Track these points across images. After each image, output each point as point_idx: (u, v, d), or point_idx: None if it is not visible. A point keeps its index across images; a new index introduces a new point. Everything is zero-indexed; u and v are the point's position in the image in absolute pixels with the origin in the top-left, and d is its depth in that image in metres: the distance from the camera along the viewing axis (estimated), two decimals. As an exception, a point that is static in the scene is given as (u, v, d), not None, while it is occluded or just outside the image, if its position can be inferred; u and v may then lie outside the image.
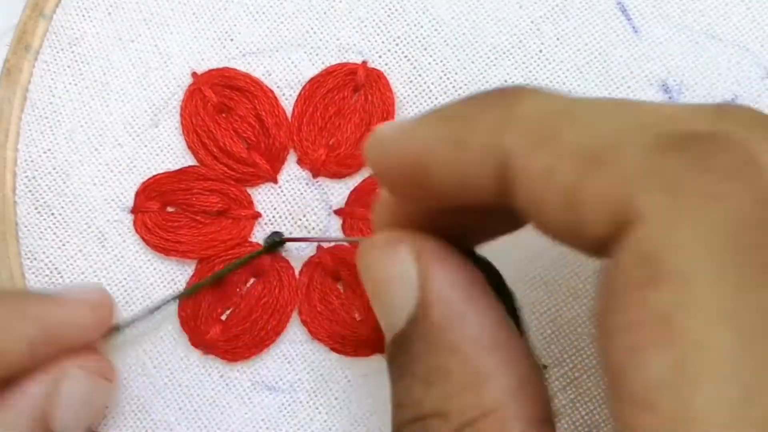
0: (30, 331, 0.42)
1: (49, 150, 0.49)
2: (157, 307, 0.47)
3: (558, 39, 0.49)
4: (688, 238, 0.25)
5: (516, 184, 0.29)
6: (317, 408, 0.48)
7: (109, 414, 0.48)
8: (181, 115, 0.49)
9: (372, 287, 0.37)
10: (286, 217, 0.48)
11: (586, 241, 0.28)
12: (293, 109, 0.48)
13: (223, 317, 0.48)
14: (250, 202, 0.48)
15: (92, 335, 0.45)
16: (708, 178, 0.26)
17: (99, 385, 0.45)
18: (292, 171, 0.49)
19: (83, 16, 0.50)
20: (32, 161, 0.49)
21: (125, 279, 0.48)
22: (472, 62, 0.49)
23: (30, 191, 0.49)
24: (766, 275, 0.25)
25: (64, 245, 0.49)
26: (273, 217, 0.48)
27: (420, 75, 0.49)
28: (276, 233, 0.48)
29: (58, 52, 0.50)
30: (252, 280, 0.48)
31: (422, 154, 0.32)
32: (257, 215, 0.48)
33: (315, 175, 0.49)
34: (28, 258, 0.49)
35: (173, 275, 0.48)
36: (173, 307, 0.48)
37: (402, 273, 0.34)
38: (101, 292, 0.46)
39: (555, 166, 0.28)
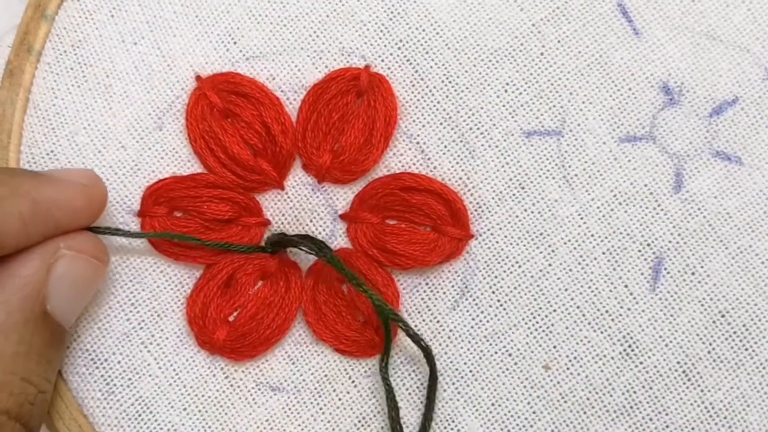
0: (22, 208, 0.42)
1: (52, 152, 0.49)
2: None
3: (559, 41, 0.49)
4: None
5: None
6: (321, 408, 0.48)
7: (110, 414, 0.48)
8: (187, 120, 0.49)
9: None
10: (292, 223, 0.49)
11: None
12: (298, 116, 0.49)
13: (231, 318, 0.48)
14: (260, 210, 0.48)
15: (84, 216, 0.45)
16: None
17: (92, 266, 0.45)
18: (297, 177, 0.49)
19: (86, 18, 0.50)
20: (35, 163, 0.49)
21: (131, 281, 0.48)
22: (474, 65, 0.49)
23: (34, 193, 0.49)
24: None
25: (68, 248, 0.49)
26: (280, 223, 0.49)
27: (422, 78, 0.49)
28: (275, 234, 0.48)
29: (60, 54, 0.50)
30: (260, 283, 0.48)
31: None
32: (267, 222, 0.48)
33: (320, 180, 0.49)
34: (33, 260, 0.49)
35: (180, 278, 0.48)
36: (180, 309, 0.48)
37: None
38: (92, 174, 0.46)
39: None
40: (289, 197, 0.49)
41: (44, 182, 0.43)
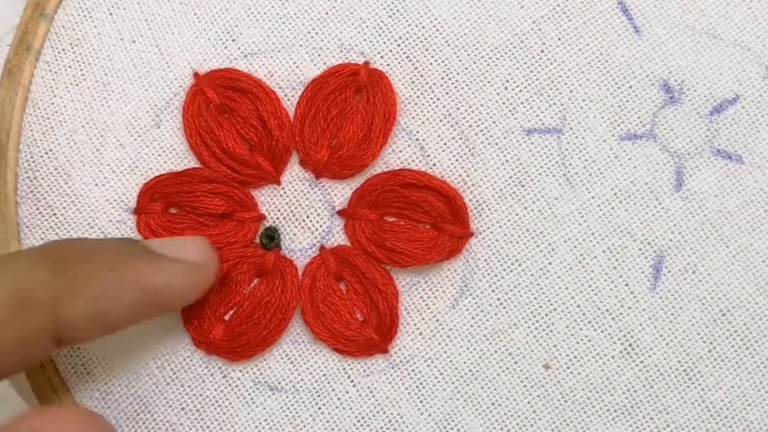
0: (131, 297, 0.42)
1: (51, 150, 0.49)
2: None
3: (559, 39, 0.49)
4: None
5: None
6: (320, 408, 0.48)
7: (108, 414, 0.48)
8: (184, 116, 0.49)
9: None
10: (289, 219, 0.49)
11: None
12: (296, 111, 0.48)
13: (226, 317, 0.48)
14: (255, 205, 0.48)
15: (191, 298, 0.45)
16: None
17: None
18: (294, 172, 0.49)
19: (84, 16, 0.50)
20: (34, 162, 0.49)
21: (128, 279, 0.48)
22: (474, 62, 0.49)
23: (32, 192, 0.49)
24: None
25: (66, 246, 0.49)
26: (276, 218, 0.49)
27: (422, 75, 0.49)
28: (269, 228, 0.48)
29: (59, 53, 0.50)
30: (255, 281, 0.48)
31: None
32: (261, 217, 0.48)
33: (318, 176, 0.49)
34: (31, 258, 0.49)
35: (176, 276, 0.48)
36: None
37: None
38: (205, 247, 0.45)
39: None
40: (285, 192, 0.49)
41: (155, 268, 0.43)
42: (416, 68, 0.49)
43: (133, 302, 0.42)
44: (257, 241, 0.48)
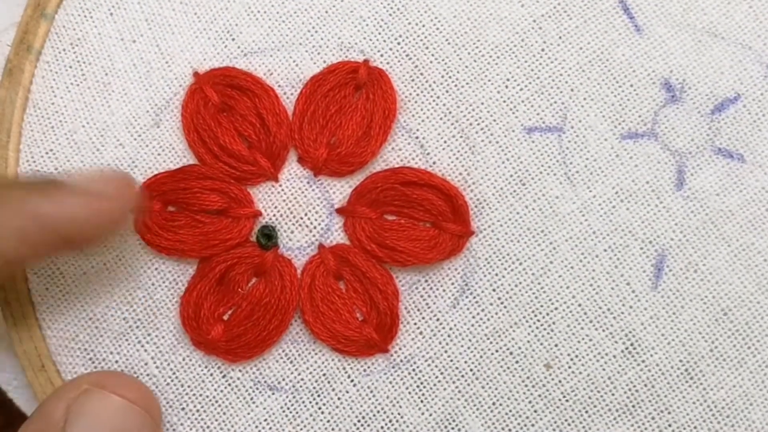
0: (19, 224, 0.41)
1: (51, 150, 0.49)
2: None
3: (560, 37, 0.49)
4: None
5: None
6: (320, 408, 0.48)
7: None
8: (183, 114, 0.49)
9: None
10: (287, 216, 0.48)
11: None
12: (294, 108, 0.48)
13: (225, 317, 0.48)
14: (250, 201, 0.48)
15: (95, 230, 0.43)
16: None
17: (127, 411, 0.43)
18: (293, 170, 0.49)
19: (85, 16, 0.50)
20: (34, 161, 0.49)
21: (127, 280, 0.48)
22: (474, 60, 0.49)
23: (32, 191, 0.49)
24: None
25: (66, 245, 0.49)
26: (274, 216, 0.48)
27: (422, 73, 0.49)
28: (265, 227, 0.48)
29: (59, 53, 0.50)
30: (254, 280, 0.48)
31: None
32: (257, 214, 0.48)
33: (316, 173, 0.48)
34: (30, 258, 0.49)
35: (175, 276, 0.48)
36: (176, 307, 0.48)
37: None
38: (110, 182, 0.44)
39: None
40: (283, 190, 0.49)
41: (47, 195, 0.42)
42: (416, 66, 0.49)
43: (21, 228, 0.41)
44: (254, 239, 0.48)
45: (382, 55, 0.49)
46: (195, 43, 0.49)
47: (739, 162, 0.48)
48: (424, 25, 0.49)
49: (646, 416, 0.47)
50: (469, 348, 0.48)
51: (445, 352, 0.48)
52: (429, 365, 0.48)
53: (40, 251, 0.43)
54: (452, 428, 0.47)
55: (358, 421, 0.48)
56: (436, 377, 0.48)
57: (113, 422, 0.43)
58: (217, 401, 0.48)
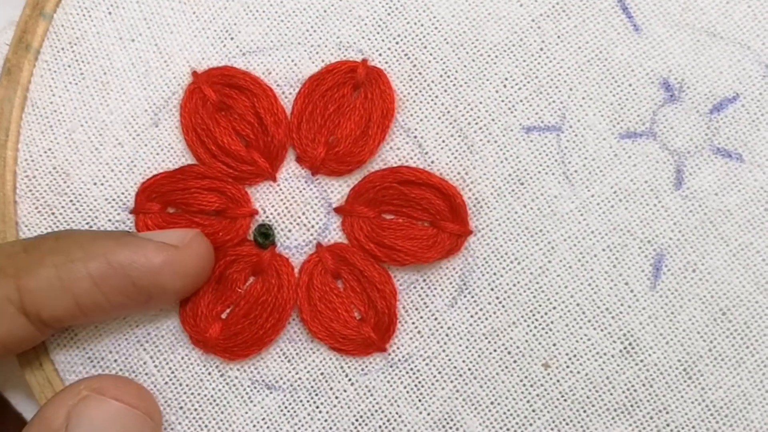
0: (92, 270, 0.43)
1: (50, 149, 0.49)
2: None
3: (558, 37, 0.49)
4: None
5: None
6: (317, 406, 0.48)
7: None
8: (181, 114, 0.49)
9: None
10: (285, 215, 0.48)
11: None
12: (293, 107, 0.48)
13: (223, 316, 0.48)
14: (248, 200, 0.48)
15: (169, 277, 0.45)
16: None
17: (125, 415, 0.44)
18: (291, 169, 0.49)
19: (83, 15, 0.50)
20: (32, 161, 0.49)
21: (125, 278, 0.48)
22: (472, 60, 0.49)
23: (30, 191, 0.49)
24: None
25: (64, 244, 0.49)
26: (272, 215, 0.48)
27: (420, 73, 0.49)
28: (262, 225, 0.48)
29: (58, 52, 0.50)
30: (251, 279, 0.48)
31: None
32: (254, 212, 0.48)
33: (314, 172, 0.48)
34: (29, 257, 0.49)
35: (173, 274, 0.48)
36: (175, 307, 0.48)
37: None
38: (190, 235, 0.46)
39: None
40: (281, 189, 0.49)
41: (123, 244, 0.44)
42: (414, 66, 0.49)
43: (96, 273, 0.43)
44: (251, 238, 0.48)
45: (380, 55, 0.49)
46: (194, 42, 0.49)
47: (738, 161, 0.48)
48: (422, 25, 0.49)
49: (644, 416, 0.47)
50: (467, 347, 0.48)
51: (443, 351, 0.48)
52: (427, 364, 0.48)
53: (114, 299, 0.44)
54: (450, 427, 0.47)
55: (356, 420, 0.48)
56: (434, 376, 0.47)
57: (114, 428, 0.43)
58: (215, 400, 0.48)
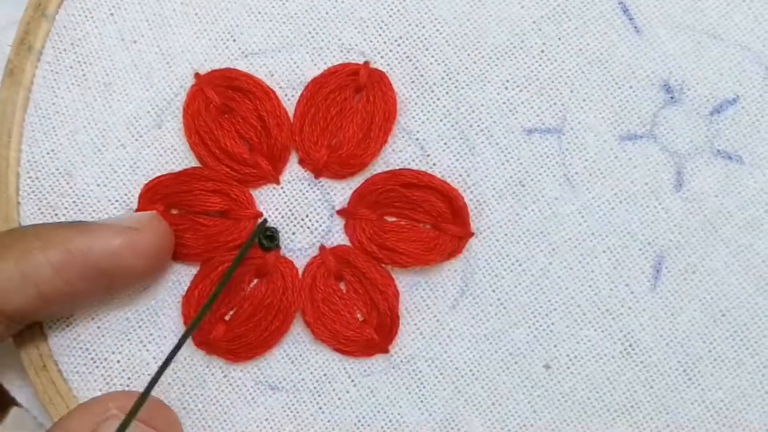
0: (52, 257, 0.43)
1: (53, 151, 0.49)
2: (178, 346, 0.44)
3: (560, 39, 0.49)
4: None
5: None
6: (320, 408, 0.48)
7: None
8: (184, 116, 0.49)
9: None
10: (288, 218, 0.48)
11: None
12: (295, 110, 0.48)
13: (227, 317, 0.48)
14: (252, 203, 0.48)
15: (130, 259, 0.45)
16: None
17: None
18: (294, 171, 0.49)
19: (85, 16, 0.50)
20: (35, 162, 0.49)
21: (129, 279, 0.48)
22: (474, 62, 0.49)
23: (33, 192, 0.49)
24: None
25: (67, 246, 0.49)
26: (275, 217, 0.48)
27: (422, 75, 0.49)
28: (267, 228, 0.48)
29: (60, 53, 0.50)
30: (255, 281, 0.48)
31: None
32: (258, 214, 0.48)
33: (317, 175, 0.49)
34: (32, 258, 0.49)
35: (177, 276, 0.48)
36: (178, 307, 0.48)
37: None
38: (146, 217, 0.47)
39: None
40: (284, 192, 0.49)
41: (80, 231, 0.45)
42: (416, 68, 0.49)
43: (56, 261, 0.44)
44: (256, 240, 0.48)
45: (382, 57, 0.49)
46: (196, 43, 0.49)
47: (738, 163, 0.48)
48: (424, 27, 0.49)
49: (644, 416, 0.47)
50: (468, 348, 0.48)
51: (445, 352, 0.48)
52: (429, 366, 0.48)
53: (77, 286, 0.44)
54: (452, 428, 0.47)
55: (359, 420, 0.48)
56: (436, 377, 0.48)
57: None
58: (218, 401, 0.48)
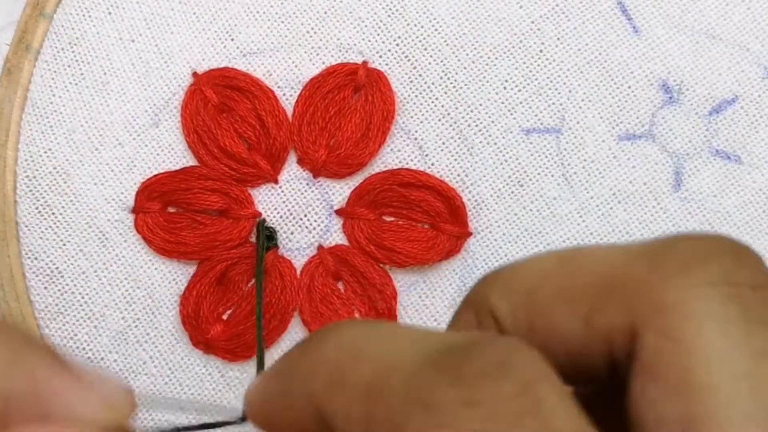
0: None
1: (50, 149, 0.49)
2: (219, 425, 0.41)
3: (558, 39, 0.49)
4: None
5: (334, 428, 0.31)
6: (318, 407, 0.48)
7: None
8: (182, 115, 0.49)
9: None
10: (286, 218, 0.48)
11: None
12: (294, 110, 0.48)
13: (225, 317, 0.48)
14: (251, 202, 0.48)
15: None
16: (461, 390, 0.26)
17: None
18: (292, 171, 0.49)
19: (83, 15, 0.50)
20: (33, 161, 0.49)
21: (126, 279, 0.48)
22: (473, 62, 0.49)
23: (30, 191, 0.49)
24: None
25: (64, 245, 0.49)
26: (273, 217, 0.48)
27: (420, 75, 0.49)
28: (266, 228, 0.48)
29: (58, 52, 0.50)
30: (253, 281, 0.48)
31: (265, 409, 0.33)
32: (257, 214, 0.48)
33: (316, 175, 0.49)
34: (29, 258, 0.49)
35: (174, 275, 0.48)
36: (175, 306, 0.48)
37: None
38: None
39: (348, 406, 0.29)
40: (283, 191, 0.49)
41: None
42: (415, 68, 0.49)
43: None
44: (254, 240, 0.48)
45: (380, 57, 0.49)
46: (194, 43, 0.49)
47: (737, 163, 0.48)
48: (422, 27, 0.49)
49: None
50: (466, 348, 0.48)
51: (443, 352, 0.48)
52: (427, 365, 0.48)
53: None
54: (450, 428, 0.47)
55: (357, 421, 0.48)
56: (434, 377, 0.48)
57: None
58: (215, 401, 0.48)
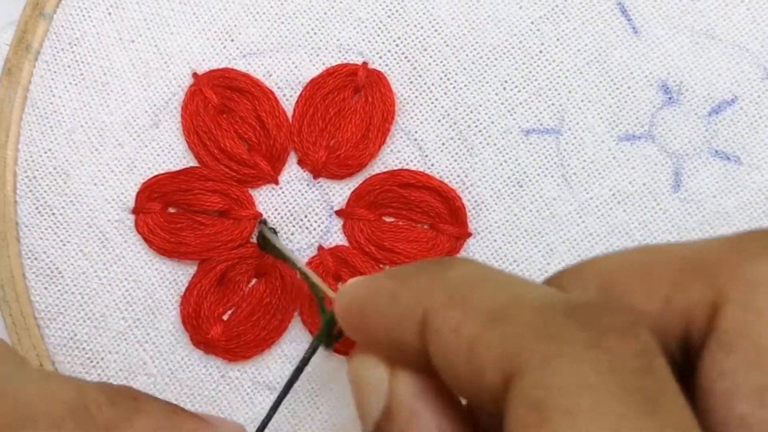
0: None
1: (50, 150, 0.49)
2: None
3: (558, 39, 0.49)
4: (571, 379, 0.27)
5: (430, 339, 0.32)
6: (318, 408, 0.48)
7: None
8: (182, 116, 0.49)
9: (352, 390, 0.39)
10: (287, 218, 0.49)
11: (484, 393, 0.30)
12: (294, 111, 0.48)
13: (225, 317, 0.48)
14: (252, 203, 0.48)
15: None
16: (591, 333, 0.28)
17: None
18: (292, 172, 0.49)
19: (83, 16, 0.50)
20: (33, 161, 0.49)
21: (126, 279, 0.48)
22: (472, 63, 0.49)
23: (31, 191, 0.49)
24: (646, 407, 0.27)
25: (64, 245, 0.49)
26: (274, 218, 0.49)
27: (420, 75, 0.49)
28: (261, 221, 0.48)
29: (58, 52, 0.50)
30: (254, 281, 0.48)
31: (364, 302, 0.35)
32: (258, 215, 0.48)
33: (316, 176, 0.49)
34: (29, 258, 0.49)
35: (175, 275, 0.48)
36: (175, 306, 0.48)
37: (374, 379, 0.36)
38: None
39: (462, 323, 0.30)
40: (283, 192, 0.49)
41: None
42: (415, 68, 0.49)
43: None
44: (254, 241, 0.48)
45: (380, 57, 0.49)
46: (194, 43, 0.49)
47: (736, 164, 0.48)
48: (422, 27, 0.49)
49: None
50: (466, 348, 0.48)
51: (443, 352, 0.48)
52: (427, 366, 0.48)
53: None
54: (450, 428, 0.47)
55: (356, 421, 0.48)
56: (434, 378, 0.48)
57: None
58: (215, 401, 0.48)
